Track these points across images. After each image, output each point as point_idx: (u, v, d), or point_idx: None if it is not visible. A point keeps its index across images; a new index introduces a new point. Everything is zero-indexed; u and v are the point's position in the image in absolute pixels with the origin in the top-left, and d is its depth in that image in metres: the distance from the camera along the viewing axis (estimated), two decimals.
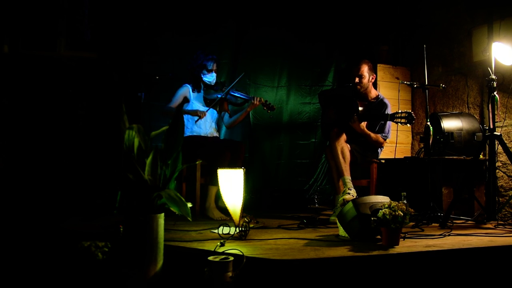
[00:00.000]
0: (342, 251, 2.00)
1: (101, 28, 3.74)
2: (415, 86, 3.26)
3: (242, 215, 2.42)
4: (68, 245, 1.96)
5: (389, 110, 3.41)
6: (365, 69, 3.46)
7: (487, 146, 3.18)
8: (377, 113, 3.40)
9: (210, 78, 3.59)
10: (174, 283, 1.93)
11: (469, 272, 2.07)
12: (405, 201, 2.39)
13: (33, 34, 3.59)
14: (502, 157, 3.46)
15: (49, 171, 3.39)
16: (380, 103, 3.47)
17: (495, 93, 3.01)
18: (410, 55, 4.56)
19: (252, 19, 4.35)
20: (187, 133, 3.52)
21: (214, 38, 4.22)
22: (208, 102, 3.59)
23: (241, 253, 1.82)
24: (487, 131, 3.02)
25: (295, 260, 1.84)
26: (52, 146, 3.46)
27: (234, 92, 3.61)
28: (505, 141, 3.19)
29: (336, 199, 3.24)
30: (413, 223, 2.81)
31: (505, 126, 3.52)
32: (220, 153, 3.22)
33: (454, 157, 3.34)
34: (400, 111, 3.13)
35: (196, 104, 3.58)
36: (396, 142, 3.89)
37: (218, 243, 2.04)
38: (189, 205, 1.84)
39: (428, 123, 3.11)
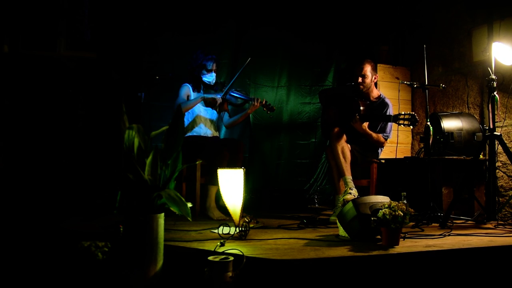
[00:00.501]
0: (342, 251, 2.00)
1: (101, 28, 3.74)
2: (415, 86, 3.26)
3: (242, 215, 2.42)
4: (68, 245, 1.96)
5: (391, 110, 3.41)
6: (368, 69, 3.45)
7: (487, 146, 3.18)
8: (380, 114, 3.40)
9: (209, 78, 3.59)
10: (174, 283, 1.93)
11: (469, 272, 2.07)
12: (405, 201, 2.39)
13: (33, 34, 3.59)
14: (502, 157, 3.46)
15: (49, 171, 3.39)
16: (381, 103, 3.47)
17: (495, 93, 3.01)
18: (410, 55, 4.56)
19: (252, 19, 4.35)
20: (187, 133, 3.52)
21: (214, 38, 4.22)
22: (207, 103, 3.59)
23: (241, 253, 1.82)
24: (487, 131, 3.02)
25: (295, 260, 1.84)
26: (52, 146, 3.46)
27: (234, 93, 3.61)
28: (505, 141, 3.19)
29: (336, 199, 3.24)
30: (413, 223, 2.81)
31: (505, 126, 3.52)
32: (219, 152, 3.22)
33: (454, 157, 3.34)
34: (403, 112, 3.10)
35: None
36: (397, 142, 3.89)
37: (218, 243, 2.04)
38: (189, 205, 1.84)
39: (428, 123, 3.11)
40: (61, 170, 3.40)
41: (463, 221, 3.09)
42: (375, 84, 3.63)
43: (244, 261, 1.78)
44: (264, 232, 2.55)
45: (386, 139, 3.44)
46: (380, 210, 2.11)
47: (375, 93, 3.55)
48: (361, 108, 3.33)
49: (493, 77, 3.03)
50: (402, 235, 2.26)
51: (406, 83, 3.33)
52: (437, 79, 4.14)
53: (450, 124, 3.44)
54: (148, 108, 3.74)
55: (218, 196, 3.23)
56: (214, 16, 4.19)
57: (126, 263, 1.82)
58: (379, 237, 2.26)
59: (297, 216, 3.33)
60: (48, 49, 3.63)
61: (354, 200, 2.34)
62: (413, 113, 3.09)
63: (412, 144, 4.53)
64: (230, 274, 1.74)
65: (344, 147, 3.20)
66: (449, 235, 2.49)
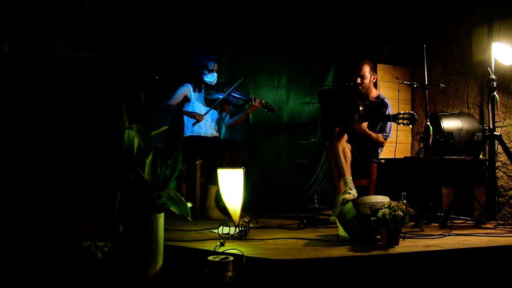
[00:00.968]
0: (342, 251, 2.00)
1: (101, 28, 3.74)
2: (415, 86, 3.26)
3: (242, 215, 2.42)
4: (68, 245, 1.96)
5: (390, 110, 3.41)
6: (367, 69, 3.46)
7: (487, 146, 3.18)
8: (379, 114, 3.40)
9: (211, 78, 3.59)
10: (174, 283, 1.93)
11: (469, 272, 2.07)
12: (405, 201, 2.39)
13: (33, 34, 3.58)
14: (502, 157, 3.46)
15: (49, 171, 3.38)
16: (381, 103, 3.47)
17: (495, 93, 3.01)
18: (410, 55, 4.56)
19: (252, 19, 4.35)
20: (187, 133, 3.52)
21: (214, 38, 4.22)
22: (209, 103, 3.60)
23: (241, 253, 1.82)
24: (487, 131, 3.02)
25: (295, 260, 1.84)
26: (52, 146, 3.45)
27: (235, 93, 3.62)
28: (505, 141, 3.19)
29: (336, 199, 3.25)
30: (413, 223, 2.81)
31: (505, 126, 3.52)
32: (218, 153, 3.22)
33: (454, 157, 3.34)
34: (402, 111, 3.12)
35: (197, 104, 3.58)
36: (396, 142, 3.88)
37: (218, 243, 2.04)
38: (189, 205, 1.84)
39: (428, 123, 3.11)
40: (61, 170, 3.40)
41: (463, 221, 3.09)
42: (375, 84, 3.63)
43: (244, 261, 1.78)
44: (264, 232, 2.55)
45: (385, 139, 3.44)
46: (380, 210, 2.11)
47: (374, 93, 3.55)
48: (360, 108, 3.34)
49: (493, 77, 3.03)
50: (402, 235, 2.26)
51: (406, 83, 3.34)
52: (437, 79, 4.14)
53: (450, 124, 3.44)
54: (148, 108, 3.74)
55: (218, 196, 3.23)
56: (214, 16, 4.19)
57: (126, 263, 1.82)
58: (379, 237, 2.26)
59: (297, 216, 3.33)
60: (48, 49, 3.63)
61: (354, 200, 2.34)
62: (412, 112, 3.09)
63: (412, 144, 4.53)
64: (230, 274, 1.74)
65: (345, 147, 3.20)
66: (449, 235, 2.49)
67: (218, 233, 2.37)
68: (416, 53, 4.05)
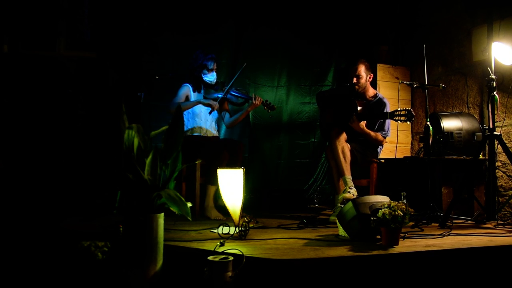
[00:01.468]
0: (342, 251, 2.00)
1: (101, 28, 3.73)
2: (415, 86, 3.27)
3: (241, 215, 2.42)
4: (68, 245, 1.96)
5: (388, 108, 3.42)
6: (362, 69, 3.47)
7: (486, 146, 3.18)
8: (376, 112, 3.41)
9: (211, 77, 3.59)
10: (174, 283, 1.93)
11: (469, 272, 2.07)
12: (405, 201, 2.40)
13: (33, 34, 3.58)
14: (502, 157, 3.46)
15: (49, 171, 3.38)
16: (378, 102, 3.48)
17: (495, 93, 3.01)
18: (410, 55, 4.56)
19: (251, 19, 4.35)
20: (188, 126, 3.53)
21: (214, 38, 4.21)
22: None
23: (241, 253, 1.82)
24: (487, 131, 3.02)
25: (295, 260, 1.84)
26: (52, 146, 3.45)
27: (234, 92, 3.62)
28: (505, 141, 3.19)
29: (336, 199, 3.25)
30: (413, 223, 2.81)
31: (505, 126, 3.52)
32: (218, 152, 3.22)
33: (454, 157, 3.34)
34: (399, 108, 3.14)
35: None
36: (396, 142, 3.89)
37: (218, 243, 2.04)
38: (189, 204, 1.84)
39: (428, 123, 3.11)
40: (61, 170, 3.40)
41: (463, 221, 3.09)
42: (374, 84, 3.64)
43: (244, 261, 1.78)
44: (264, 232, 2.55)
45: (385, 137, 3.45)
46: (380, 210, 2.11)
47: (371, 92, 3.57)
48: (358, 107, 3.36)
49: (493, 77, 3.03)
50: (402, 235, 2.26)
51: (406, 83, 3.34)
52: (437, 79, 4.14)
53: (450, 124, 3.44)
54: (148, 108, 3.74)
55: (216, 196, 3.23)
56: (214, 16, 4.19)
57: (126, 263, 1.82)
58: (378, 237, 2.26)
59: (297, 216, 3.33)
60: (48, 49, 3.62)
61: (353, 200, 2.34)
62: (409, 108, 3.10)
63: (412, 144, 4.53)
64: (230, 274, 1.74)
65: (344, 147, 3.20)
66: (448, 235, 2.49)
67: (218, 233, 2.37)
68: (416, 53, 4.05)
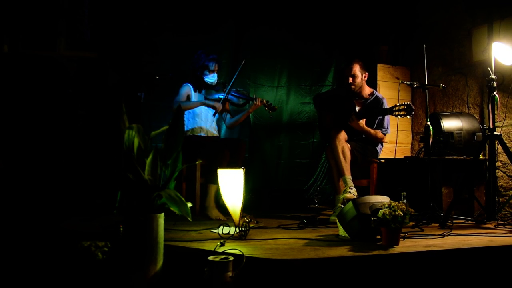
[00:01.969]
0: (342, 251, 2.00)
1: (101, 28, 3.73)
2: (415, 86, 3.27)
3: (242, 215, 2.42)
4: (68, 245, 1.95)
5: (386, 105, 3.44)
6: (357, 68, 3.49)
7: (487, 146, 3.18)
8: (375, 109, 3.42)
9: (212, 78, 3.59)
10: (174, 283, 1.93)
11: (469, 272, 2.07)
12: (405, 201, 2.39)
13: (33, 34, 3.58)
14: (502, 157, 3.46)
15: (49, 171, 3.38)
16: (376, 99, 3.50)
17: (495, 93, 3.01)
18: (410, 55, 4.56)
19: (251, 19, 4.35)
20: (189, 126, 3.53)
21: (214, 38, 4.21)
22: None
23: (241, 253, 1.82)
24: (487, 131, 3.02)
25: (295, 260, 1.84)
26: (52, 146, 3.45)
27: (235, 93, 3.62)
28: (505, 141, 3.19)
29: (336, 199, 3.25)
30: (413, 223, 2.81)
31: (505, 126, 3.52)
32: (219, 152, 3.22)
33: (454, 157, 3.34)
34: (398, 104, 3.14)
35: None
36: (396, 142, 3.89)
37: (218, 243, 2.04)
38: (189, 205, 1.84)
39: (428, 123, 3.11)
40: (61, 170, 3.40)
41: (463, 221, 3.09)
42: (374, 84, 3.64)
43: (244, 261, 1.78)
44: (264, 232, 2.55)
45: (385, 134, 3.47)
46: (380, 210, 2.11)
47: (367, 90, 3.58)
48: (357, 106, 3.37)
49: (493, 77, 3.03)
50: (402, 235, 2.26)
51: (406, 83, 3.34)
52: (437, 79, 4.14)
53: (450, 124, 3.44)
54: (148, 108, 3.73)
55: (217, 196, 3.23)
56: (214, 16, 4.18)
57: (126, 263, 1.82)
58: (379, 237, 2.26)
59: (297, 216, 3.33)
60: (48, 49, 3.62)
61: (354, 200, 2.34)
62: (408, 102, 3.10)
63: (412, 144, 4.53)
64: (230, 274, 1.74)
65: (344, 147, 3.21)
66: (449, 235, 2.49)
67: (218, 233, 2.36)
68: (416, 53, 4.06)
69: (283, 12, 4.43)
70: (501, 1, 3.30)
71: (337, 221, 2.45)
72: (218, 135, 3.74)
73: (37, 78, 3.52)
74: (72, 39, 3.70)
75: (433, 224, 2.88)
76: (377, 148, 3.51)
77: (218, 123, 3.82)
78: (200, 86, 3.60)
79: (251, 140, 4.41)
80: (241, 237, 2.31)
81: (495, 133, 2.99)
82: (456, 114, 3.59)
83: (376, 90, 3.82)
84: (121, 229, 2.00)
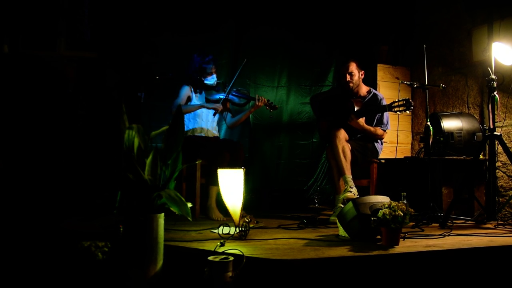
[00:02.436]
0: (342, 251, 2.00)
1: (101, 28, 3.73)
2: (415, 86, 3.26)
3: (242, 215, 2.42)
4: (68, 245, 1.95)
5: (384, 102, 3.45)
6: (353, 67, 3.50)
7: (487, 146, 3.18)
8: (374, 107, 3.42)
9: (211, 80, 3.59)
10: (174, 283, 1.93)
11: (469, 272, 2.06)
12: (405, 201, 2.39)
13: (33, 34, 3.58)
14: (502, 157, 3.46)
15: (49, 171, 3.38)
16: (373, 97, 3.51)
17: (495, 93, 3.01)
18: (410, 55, 4.55)
19: (251, 19, 4.35)
20: (189, 126, 3.53)
21: (214, 38, 4.21)
22: (210, 103, 3.60)
23: (241, 253, 1.82)
24: (487, 131, 3.02)
25: (295, 260, 1.84)
26: (52, 146, 3.45)
27: (236, 93, 3.62)
28: (505, 141, 3.19)
29: (337, 199, 3.25)
30: (413, 223, 2.81)
31: (505, 126, 3.52)
32: (219, 153, 3.22)
33: (454, 157, 3.34)
34: (397, 99, 3.14)
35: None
36: (397, 142, 3.89)
37: (218, 243, 2.04)
38: (189, 205, 1.84)
39: (428, 123, 3.11)
40: (61, 170, 3.40)
41: (463, 221, 3.09)
42: (372, 83, 3.64)
43: (244, 261, 1.78)
44: (264, 232, 2.55)
45: (384, 130, 3.47)
46: (380, 210, 2.11)
47: (364, 89, 3.58)
48: (355, 105, 3.37)
49: (493, 77, 3.03)
50: (402, 235, 2.26)
51: (406, 83, 3.34)
52: (437, 79, 4.14)
53: (450, 124, 3.44)
54: (148, 108, 3.73)
55: (219, 197, 3.23)
56: (214, 16, 4.18)
57: (126, 263, 1.82)
58: (379, 237, 2.26)
59: (297, 216, 3.33)
60: (48, 49, 3.62)
61: (354, 200, 2.34)
62: (407, 98, 3.11)
63: (412, 144, 4.52)
64: (230, 274, 1.74)
65: (344, 146, 3.21)
66: (449, 235, 2.49)
67: (218, 233, 2.36)
68: (416, 53, 4.06)
69: (283, 12, 4.43)
70: (501, 1, 3.30)
71: (337, 221, 2.45)
72: (218, 135, 3.74)
73: (37, 78, 3.52)
74: (72, 39, 3.71)
75: (433, 224, 2.88)
76: (377, 147, 3.51)
77: (219, 123, 3.81)
78: (200, 88, 3.60)
79: (251, 140, 4.40)
80: (241, 237, 2.31)
81: (495, 133, 2.99)
82: (456, 114, 3.59)
83: (376, 90, 3.82)
84: (121, 229, 2.00)
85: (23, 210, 3.13)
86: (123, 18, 3.78)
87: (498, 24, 3.40)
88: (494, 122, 3.02)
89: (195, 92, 3.58)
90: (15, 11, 3.50)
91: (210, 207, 3.24)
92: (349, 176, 3.15)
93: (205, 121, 3.57)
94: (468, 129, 3.44)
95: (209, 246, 2.05)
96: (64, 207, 3.20)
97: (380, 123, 3.46)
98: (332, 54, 4.71)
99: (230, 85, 3.57)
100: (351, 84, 3.51)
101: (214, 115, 3.56)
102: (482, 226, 2.90)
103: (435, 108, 4.23)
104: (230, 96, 3.59)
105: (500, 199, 3.46)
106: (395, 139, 3.82)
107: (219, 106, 3.51)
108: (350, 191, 3.05)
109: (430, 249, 2.06)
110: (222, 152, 3.23)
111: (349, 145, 3.26)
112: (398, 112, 3.13)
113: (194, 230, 2.55)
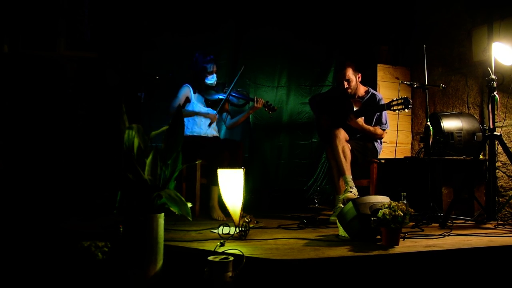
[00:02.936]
0: (342, 251, 2.00)
1: (101, 28, 3.73)
2: (415, 86, 3.27)
3: (242, 215, 2.42)
4: (68, 245, 1.95)
5: (383, 101, 3.45)
6: (350, 72, 3.48)
7: (487, 146, 3.18)
8: (373, 106, 3.42)
9: (211, 80, 3.59)
10: (174, 283, 1.93)
11: (469, 272, 2.07)
12: (405, 201, 2.39)
13: (33, 34, 3.58)
14: (502, 157, 3.46)
15: (49, 171, 3.38)
16: (372, 96, 3.52)
17: (495, 93, 3.01)
18: (410, 55, 4.55)
19: (252, 19, 4.35)
20: (187, 132, 3.53)
21: (214, 38, 4.21)
22: (209, 103, 3.61)
23: (241, 253, 1.82)
24: (487, 131, 3.02)
25: (295, 260, 1.84)
26: (52, 146, 3.45)
27: (235, 93, 3.62)
28: (505, 141, 3.19)
29: (337, 199, 3.25)
30: (413, 223, 2.81)
31: (505, 126, 3.52)
32: (219, 153, 3.22)
33: (454, 157, 3.34)
34: (395, 98, 3.14)
35: (197, 104, 3.58)
36: (396, 142, 3.89)
37: (218, 243, 2.04)
38: (189, 205, 1.84)
39: (428, 123, 3.11)
40: (61, 170, 3.40)
41: (463, 221, 3.09)
42: (372, 83, 3.64)
43: (244, 261, 1.78)
44: (264, 232, 2.55)
45: (384, 130, 3.48)
46: (380, 210, 2.11)
47: (362, 89, 3.59)
48: (354, 105, 3.37)
49: (493, 77, 3.03)
50: (402, 235, 2.26)
51: (406, 83, 3.34)
52: (437, 79, 4.14)
53: (450, 124, 3.44)
54: (148, 109, 3.74)
55: (220, 197, 3.23)
56: (214, 16, 4.18)
57: (126, 263, 1.82)
58: (379, 237, 2.26)
59: (297, 216, 3.33)
60: (48, 49, 3.62)
61: (354, 200, 2.34)
62: (406, 96, 3.11)
63: (412, 144, 4.52)
64: (230, 274, 1.74)
65: (344, 146, 3.21)
66: (449, 235, 2.49)
67: (218, 233, 2.36)
68: (416, 53, 4.06)
69: (283, 12, 4.43)
70: (501, 1, 3.29)
71: (337, 221, 2.45)
72: (218, 135, 3.74)
73: (37, 78, 3.52)
74: (72, 39, 3.71)
75: (433, 224, 2.88)
76: (377, 147, 3.51)
77: (218, 124, 3.81)
78: (200, 87, 3.60)
79: (251, 140, 4.40)
80: (241, 237, 2.31)
81: (495, 133, 2.99)
82: (456, 114, 3.59)
83: (376, 90, 3.83)
84: (121, 229, 2.00)
85: (23, 210, 3.13)
86: (123, 18, 3.78)
87: (498, 24, 3.40)
88: (494, 122, 3.02)
89: (194, 92, 3.58)
90: (15, 11, 3.50)
91: (212, 207, 3.24)
92: (349, 176, 3.15)
93: (204, 130, 3.56)
94: (468, 129, 3.44)
95: (209, 246, 2.05)
96: (64, 207, 3.20)
97: (379, 122, 3.46)
98: (332, 54, 4.71)
99: (230, 88, 3.57)
100: (349, 90, 3.51)
101: (209, 125, 3.55)
102: (482, 226, 2.90)
103: (435, 108, 4.23)
104: (229, 97, 3.60)
105: (500, 199, 3.46)
106: (395, 139, 3.82)
107: (214, 116, 3.51)
108: (350, 191, 3.05)
109: (430, 249, 2.06)
110: (222, 152, 3.23)
111: (349, 145, 3.26)
112: (397, 111, 3.14)
113: (194, 230, 2.55)
